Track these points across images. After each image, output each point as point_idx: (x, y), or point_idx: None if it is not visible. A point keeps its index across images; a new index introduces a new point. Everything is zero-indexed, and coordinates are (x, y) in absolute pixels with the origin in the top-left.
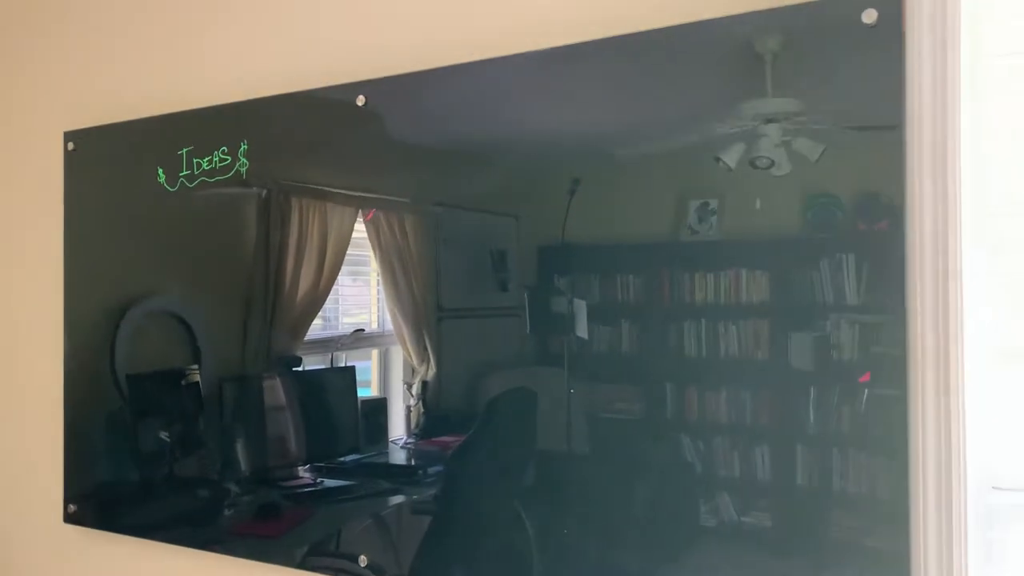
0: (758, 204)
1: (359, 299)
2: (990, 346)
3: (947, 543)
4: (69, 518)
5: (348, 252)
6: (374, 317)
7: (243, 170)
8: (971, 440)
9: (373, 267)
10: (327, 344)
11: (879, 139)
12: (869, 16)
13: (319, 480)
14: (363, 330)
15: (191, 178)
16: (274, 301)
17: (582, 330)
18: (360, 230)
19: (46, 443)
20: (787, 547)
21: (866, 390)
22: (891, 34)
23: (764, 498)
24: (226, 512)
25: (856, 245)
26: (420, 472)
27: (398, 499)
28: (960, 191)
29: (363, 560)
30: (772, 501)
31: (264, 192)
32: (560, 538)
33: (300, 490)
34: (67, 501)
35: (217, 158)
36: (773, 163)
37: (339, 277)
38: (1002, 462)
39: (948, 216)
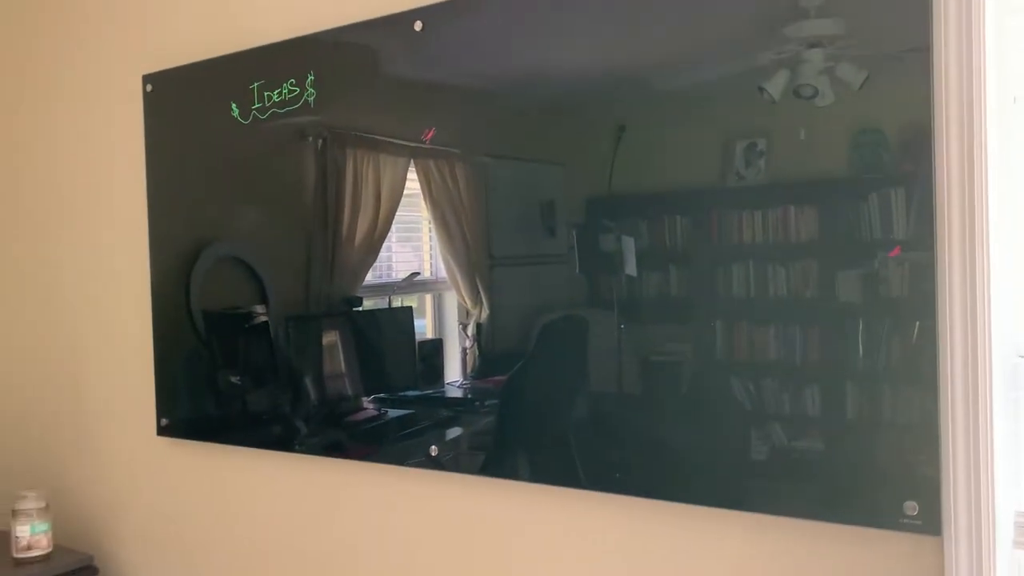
0: (802, 135)
1: (412, 245)
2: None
3: (973, 403)
4: (162, 431)
5: (399, 213)
6: (427, 265)
7: (311, 100)
8: (996, 313)
9: (424, 215)
10: (384, 288)
11: (911, 62)
12: None
13: (383, 411)
14: (418, 273)
15: (263, 110)
16: (334, 246)
17: (631, 268)
18: (412, 178)
19: (141, 365)
20: (828, 435)
21: (899, 263)
22: None
23: (807, 379)
24: (296, 438)
25: (886, 179)
26: (477, 403)
27: (457, 429)
28: (985, 112)
29: (434, 450)
30: (824, 371)
31: (321, 141)
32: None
33: (365, 421)
34: (159, 416)
35: (286, 90)
36: (817, 92)
37: (392, 236)
38: None
39: (973, 104)
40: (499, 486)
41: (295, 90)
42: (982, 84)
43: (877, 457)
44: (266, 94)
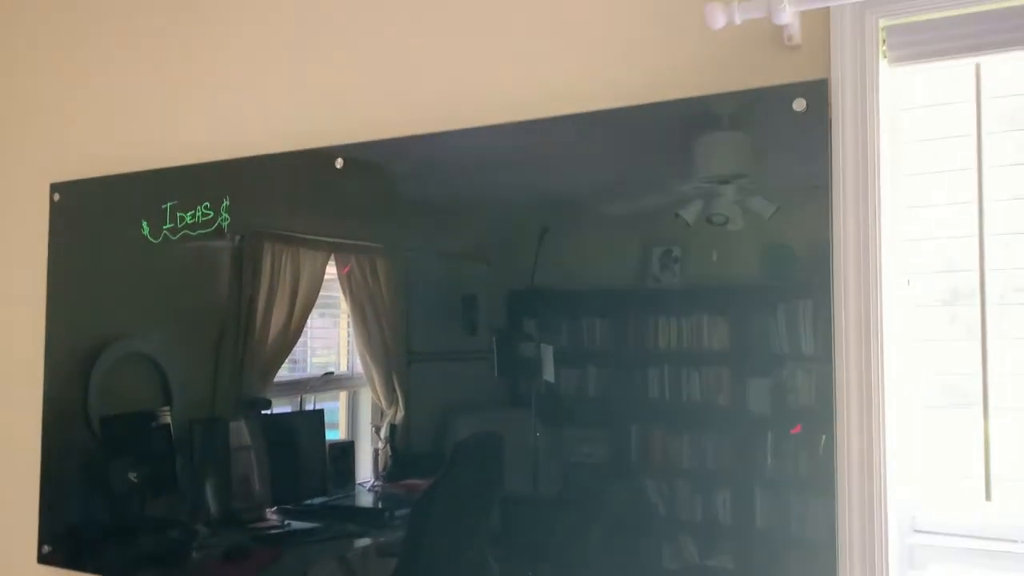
0: (714, 256)
1: (328, 341)
2: (912, 395)
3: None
4: (43, 559)
5: (320, 295)
6: (343, 359)
7: (224, 224)
8: (892, 488)
9: (343, 308)
10: (297, 386)
11: (811, 203)
12: (799, 104)
13: (286, 522)
14: (332, 373)
15: (174, 231)
16: (245, 343)
17: (549, 374)
18: (332, 273)
19: (23, 485)
20: None
21: (799, 440)
22: (818, 119)
23: (720, 538)
24: (195, 553)
25: (790, 297)
26: (387, 515)
27: (364, 542)
28: (880, 246)
29: None
30: (727, 542)
31: (239, 238)
32: None
33: (268, 532)
34: (41, 542)
35: (200, 212)
36: (728, 219)
37: (309, 320)
38: (922, 508)
39: (869, 271)
40: None
41: (209, 213)
42: (877, 219)
43: None
44: (179, 215)
